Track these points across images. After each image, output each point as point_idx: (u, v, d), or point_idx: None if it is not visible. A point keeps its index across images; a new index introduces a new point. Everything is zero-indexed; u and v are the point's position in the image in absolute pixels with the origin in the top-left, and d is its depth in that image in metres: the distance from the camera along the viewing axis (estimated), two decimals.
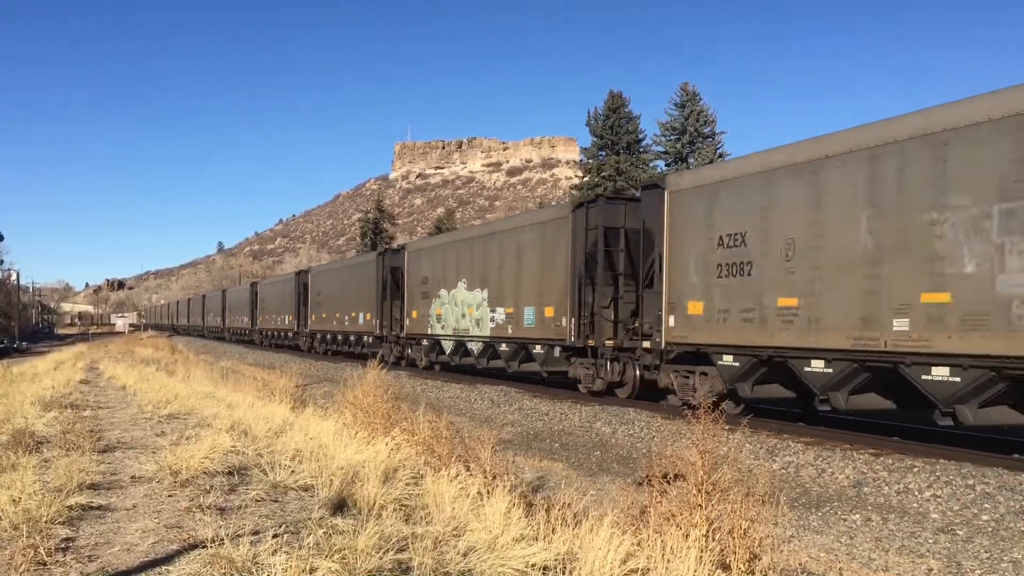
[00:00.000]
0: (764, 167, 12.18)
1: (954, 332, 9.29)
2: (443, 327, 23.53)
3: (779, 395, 12.72)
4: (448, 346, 23.49)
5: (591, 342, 16.14)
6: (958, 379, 9.37)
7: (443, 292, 23.64)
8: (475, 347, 21.78)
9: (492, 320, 20.48)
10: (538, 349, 18.50)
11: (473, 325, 21.57)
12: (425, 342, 25.30)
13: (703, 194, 13.33)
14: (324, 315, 36.01)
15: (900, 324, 9.95)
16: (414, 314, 25.86)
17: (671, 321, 13.80)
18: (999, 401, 9.61)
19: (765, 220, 12.00)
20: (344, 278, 33.97)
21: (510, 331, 19.57)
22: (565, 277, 17.06)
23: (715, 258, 12.83)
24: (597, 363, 16.39)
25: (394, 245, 44.81)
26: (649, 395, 15.48)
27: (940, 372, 9.59)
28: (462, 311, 22.27)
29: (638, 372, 15.47)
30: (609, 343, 15.71)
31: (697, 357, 13.51)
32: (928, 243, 9.62)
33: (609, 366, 16.07)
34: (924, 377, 9.72)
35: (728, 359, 12.65)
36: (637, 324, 15.24)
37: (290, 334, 41.94)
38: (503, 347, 20.19)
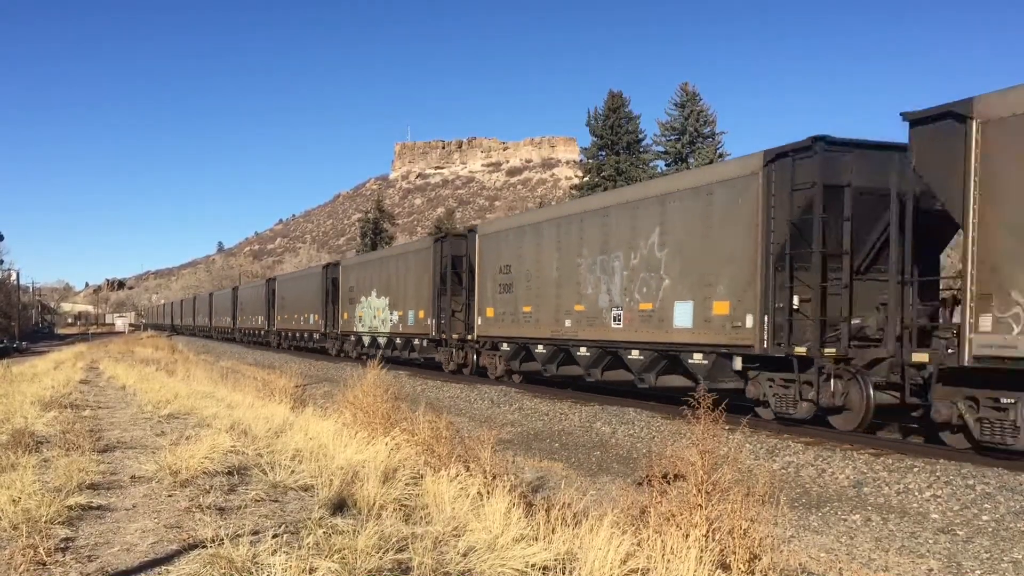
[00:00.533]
0: (518, 224, 20.58)
1: (586, 327, 16.70)
2: (363, 325, 31.25)
3: (531, 368, 19.78)
4: (366, 340, 31.21)
5: (444, 335, 23.54)
6: (589, 353, 16.84)
7: (362, 299, 31.25)
8: (382, 340, 29.27)
9: (391, 320, 28.22)
10: (416, 341, 26.22)
11: (380, 324, 29.23)
12: (352, 337, 32.99)
13: (493, 239, 21.14)
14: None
15: (568, 322, 17.31)
16: (344, 315, 33.84)
17: (479, 321, 21.29)
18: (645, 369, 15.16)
19: (519, 258, 19.60)
20: (302, 285, 41.22)
21: (400, 328, 27.29)
22: (430, 289, 24.56)
23: (499, 280, 20.13)
24: (452, 351, 23.67)
25: (338, 259, 48.56)
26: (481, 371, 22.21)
27: (583, 351, 16.99)
28: (374, 313, 29.89)
29: (473, 356, 22.42)
30: (456, 336, 23.06)
31: (495, 344, 20.98)
32: (576, 276, 17.04)
33: (455, 353, 23.40)
34: (579, 353, 17.12)
35: (505, 346, 20.43)
36: (467, 322, 22.03)
37: (316, 335, 37.78)
38: (398, 340, 27.84)
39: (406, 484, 6.68)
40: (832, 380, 11.61)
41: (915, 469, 9.31)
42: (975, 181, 9.41)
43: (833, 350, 11.57)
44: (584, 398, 16.66)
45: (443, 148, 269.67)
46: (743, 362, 12.92)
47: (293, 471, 7.33)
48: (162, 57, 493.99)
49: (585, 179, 54.33)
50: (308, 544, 4.88)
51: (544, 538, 5.14)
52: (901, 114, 10.33)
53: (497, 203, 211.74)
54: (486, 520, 5.47)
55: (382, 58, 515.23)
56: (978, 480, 8.68)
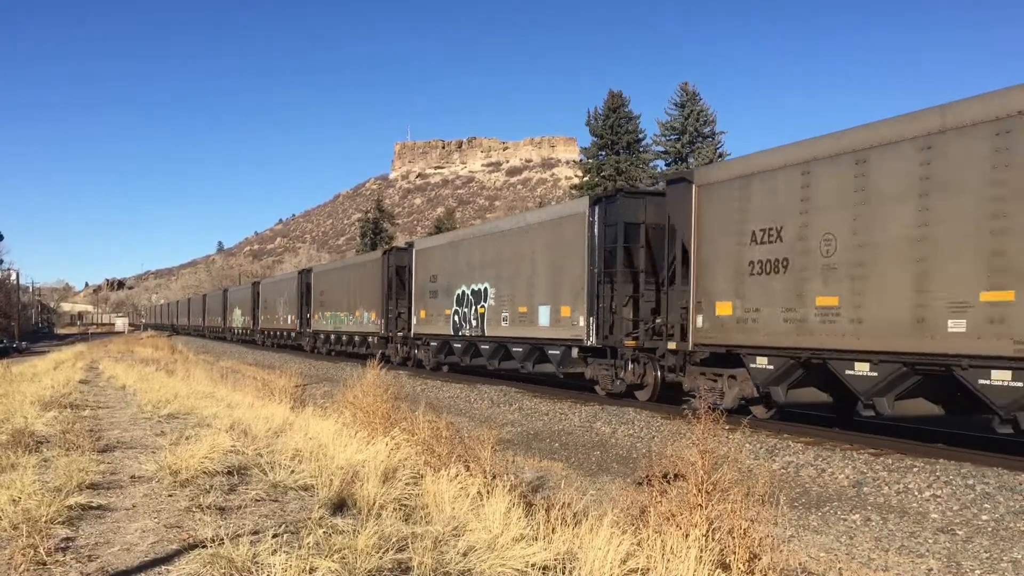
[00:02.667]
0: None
1: (487, 327, 20.60)
2: (329, 325, 35.32)
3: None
4: (332, 337, 35.16)
5: (391, 333, 24.49)
6: (489, 347, 20.76)
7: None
8: (344, 338, 33.17)
9: (351, 320, 31.78)
10: (370, 338, 29.45)
11: (342, 324, 33.17)
12: (322, 335, 36.99)
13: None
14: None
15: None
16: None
17: (415, 321, 21.30)
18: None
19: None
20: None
21: (358, 327, 30.88)
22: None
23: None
24: (397, 346, 25.64)
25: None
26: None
27: (485, 346, 20.74)
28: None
29: (413, 350, 23.28)
30: (400, 334, 23.23)
31: (426, 341, 21.97)
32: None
33: (400, 348, 23.81)
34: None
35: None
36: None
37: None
38: (356, 337, 31.69)
39: (406, 484, 6.69)
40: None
41: (915, 469, 9.32)
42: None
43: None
44: (584, 398, 16.65)
45: (443, 148, 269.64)
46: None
47: (293, 471, 7.33)
48: (162, 57, 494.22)
49: (585, 179, 54.32)
50: (308, 544, 4.89)
51: (544, 538, 5.14)
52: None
53: (497, 203, 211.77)
54: (486, 520, 5.47)
55: (382, 58, 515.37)
56: (978, 480, 8.68)
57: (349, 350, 32.71)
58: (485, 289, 21.13)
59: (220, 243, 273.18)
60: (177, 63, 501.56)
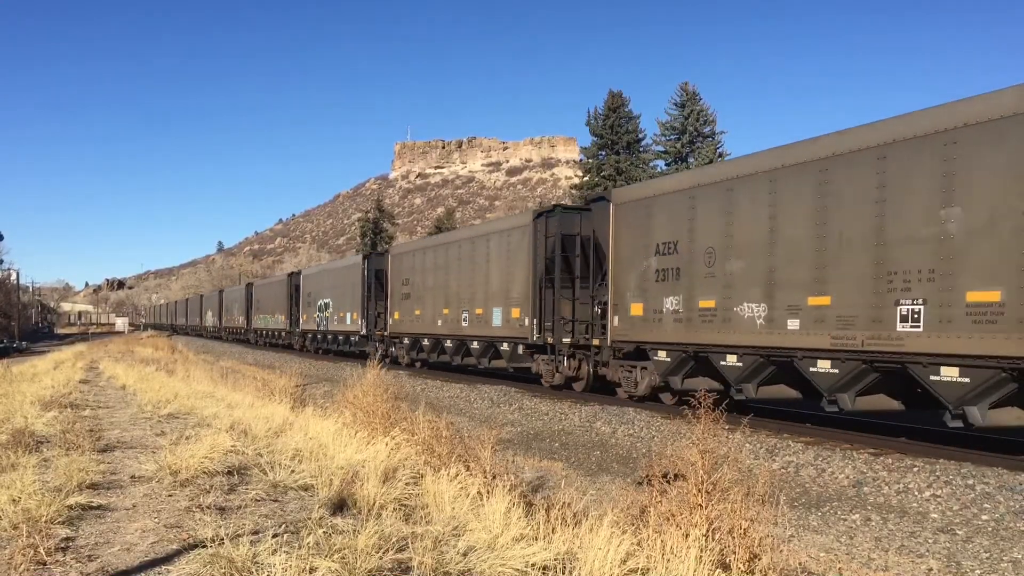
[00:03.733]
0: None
1: (451, 326, 22.91)
2: (317, 325, 37.04)
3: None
4: (319, 337, 37.14)
5: (371, 332, 25.53)
6: (452, 345, 23.20)
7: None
8: (331, 337, 35.19)
9: (335, 320, 34.02)
10: (353, 337, 31.84)
11: (328, 323, 35.14)
12: (310, 335, 38.85)
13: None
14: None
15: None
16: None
17: (390, 321, 22.55)
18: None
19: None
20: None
21: (342, 327, 33.07)
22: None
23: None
24: (376, 344, 26.15)
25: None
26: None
27: (449, 343, 23.20)
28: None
29: (390, 348, 24.70)
30: (378, 333, 24.37)
31: (400, 339, 23.05)
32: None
33: (378, 346, 25.05)
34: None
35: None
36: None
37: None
38: (340, 336, 33.80)
39: (406, 484, 6.68)
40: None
41: (915, 469, 9.32)
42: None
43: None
44: (584, 398, 16.65)
45: (443, 148, 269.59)
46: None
47: (293, 471, 7.33)
48: (162, 57, 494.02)
49: (585, 179, 54.30)
50: (308, 544, 4.88)
51: (544, 538, 5.14)
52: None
53: (497, 203, 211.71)
54: (486, 520, 5.47)
55: (382, 58, 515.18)
56: (978, 480, 8.68)
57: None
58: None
59: (220, 243, 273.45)
60: (177, 63, 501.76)
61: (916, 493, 8.67)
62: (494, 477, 6.79)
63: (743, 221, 12.45)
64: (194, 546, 5.10)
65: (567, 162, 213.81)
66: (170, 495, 6.73)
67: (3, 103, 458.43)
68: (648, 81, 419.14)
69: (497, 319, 20.31)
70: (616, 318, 15.60)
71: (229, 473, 7.51)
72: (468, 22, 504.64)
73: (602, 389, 17.16)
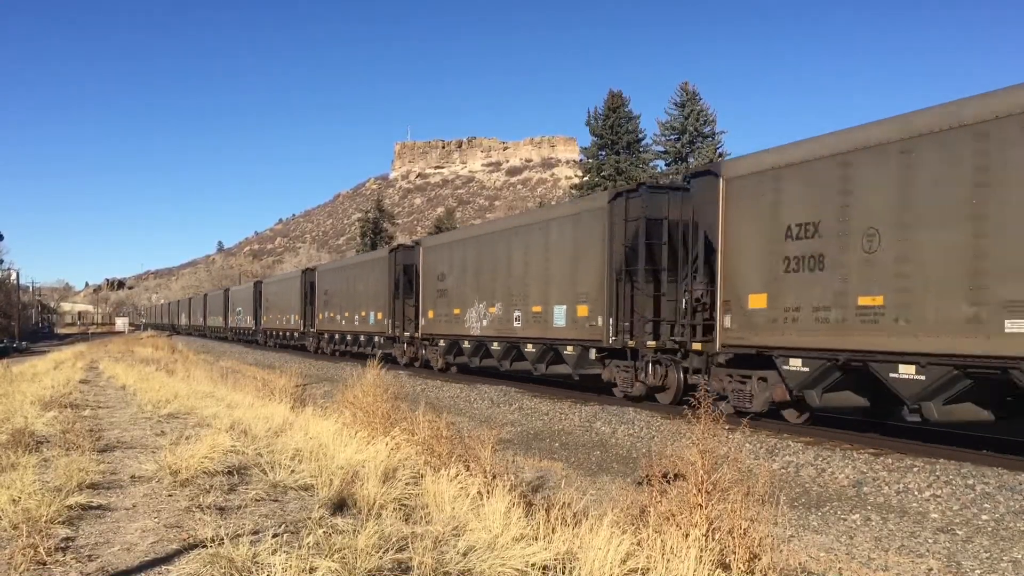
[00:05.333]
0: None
1: (498, 326, 20.35)
2: (335, 325, 34.84)
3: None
4: (338, 337, 34.70)
5: (398, 333, 23.64)
6: (500, 348, 20.16)
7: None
8: (350, 338, 32.93)
9: (356, 320, 32.10)
10: (376, 338, 29.79)
11: (349, 323, 32.61)
12: (326, 335, 36.12)
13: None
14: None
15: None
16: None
17: (423, 321, 20.54)
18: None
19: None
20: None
21: (364, 327, 30.66)
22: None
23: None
24: (404, 346, 23.88)
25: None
26: None
27: (496, 346, 20.22)
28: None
29: (421, 351, 22.74)
30: (407, 334, 22.31)
31: (434, 340, 20.54)
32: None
33: (407, 348, 22.78)
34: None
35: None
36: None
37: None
38: (362, 337, 31.31)
39: (406, 484, 6.69)
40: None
41: (915, 469, 9.31)
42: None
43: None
44: (584, 398, 16.65)
45: (443, 148, 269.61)
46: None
47: (293, 471, 7.33)
48: (162, 56, 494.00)
49: (585, 179, 54.29)
50: (308, 544, 4.89)
51: (544, 538, 5.14)
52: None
53: (497, 203, 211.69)
54: (486, 520, 5.47)
55: (382, 58, 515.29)
56: (978, 480, 8.68)
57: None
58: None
59: (220, 243, 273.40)
60: (177, 63, 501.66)
61: (916, 493, 8.67)
62: (494, 477, 6.79)
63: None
64: (194, 546, 5.10)
65: (567, 162, 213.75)
66: (170, 495, 6.73)
67: (3, 103, 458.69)
68: (648, 81, 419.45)
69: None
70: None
71: (229, 473, 7.51)
72: (468, 22, 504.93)
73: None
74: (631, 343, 15.13)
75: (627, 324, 15.17)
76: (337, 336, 34.34)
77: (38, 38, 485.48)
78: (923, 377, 9.66)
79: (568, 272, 17.13)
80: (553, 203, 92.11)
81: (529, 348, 18.91)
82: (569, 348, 17.21)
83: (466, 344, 22.03)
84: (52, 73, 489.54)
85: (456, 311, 22.42)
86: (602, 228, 15.78)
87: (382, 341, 28.48)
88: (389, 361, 25.30)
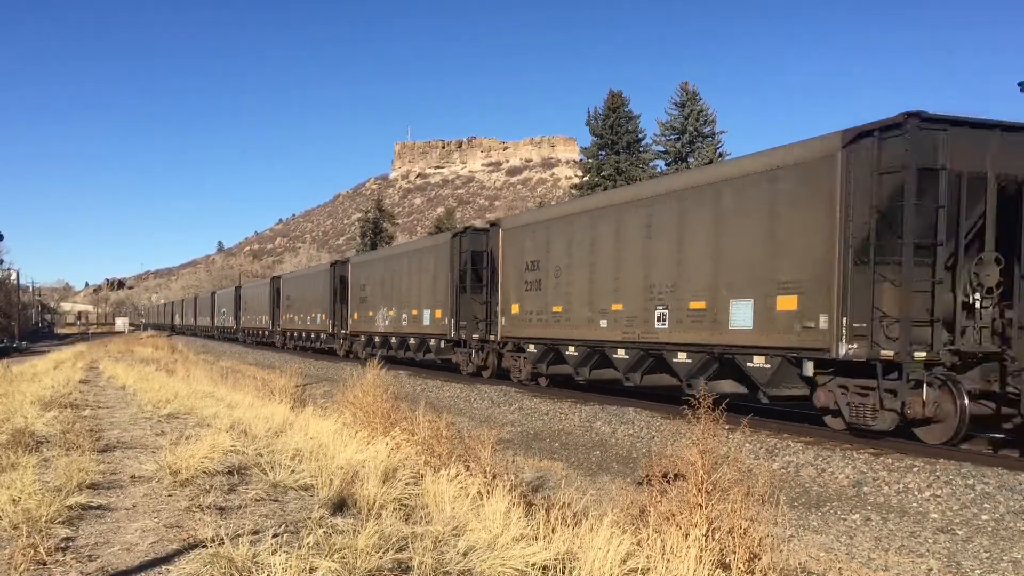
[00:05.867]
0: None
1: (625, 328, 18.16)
2: (375, 326, 35.85)
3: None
4: (378, 340, 35.51)
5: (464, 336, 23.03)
6: (629, 356, 17.68)
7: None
8: (395, 341, 33.56)
9: (404, 320, 31.83)
10: (432, 342, 28.14)
11: (393, 324, 34.15)
12: (363, 338, 35.10)
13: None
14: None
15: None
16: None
17: (502, 320, 20.38)
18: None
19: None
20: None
21: (414, 328, 30.39)
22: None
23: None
24: (472, 352, 23.23)
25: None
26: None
27: (621, 352, 17.49)
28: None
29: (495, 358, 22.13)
30: (475, 337, 22.26)
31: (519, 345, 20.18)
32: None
33: (475, 355, 22.80)
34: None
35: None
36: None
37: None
38: (412, 340, 29.25)
39: (406, 484, 6.69)
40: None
41: (915, 469, 9.32)
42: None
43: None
44: (583, 398, 16.65)
45: (443, 148, 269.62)
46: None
47: (293, 471, 7.33)
48: (162, 56, 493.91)
49: (585, 179, 54.27)
50: (308, 544, 4.89)
51: (544, 538, 5.14)
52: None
53: (497, 203, 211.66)
54: (486, 520, 5.47)
55: (382, 58, 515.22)
56: (978, 480, 8.68)
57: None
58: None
59: (220, 243, 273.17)
60: (177, 62, 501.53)
61: (916, 493, 8.67)
62: (494, 477, 6.79)
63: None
64: (194, 546, 5.10)
65: (567, 162, 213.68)
66: (170, 495, 6.73)
67: (3, 103, 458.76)
68: (648, 81, 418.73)
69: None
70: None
71: (229, 473, 7.52)
72: (468, 22, 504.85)
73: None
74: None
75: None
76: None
77: (38, 38, 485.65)
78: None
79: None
80: (535, 206, 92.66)
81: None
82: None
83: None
84: (52, 73, 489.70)
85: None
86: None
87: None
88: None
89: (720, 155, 48.04)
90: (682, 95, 50.38)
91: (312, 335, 38.60)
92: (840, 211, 10.78)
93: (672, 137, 50.53)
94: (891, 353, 10.22)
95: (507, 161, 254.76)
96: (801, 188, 11.52)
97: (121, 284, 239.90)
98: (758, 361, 12.25)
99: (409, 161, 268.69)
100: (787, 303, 11.72)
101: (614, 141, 52.33)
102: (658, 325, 14.39)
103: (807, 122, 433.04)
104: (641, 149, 52.95)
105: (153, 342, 47.71)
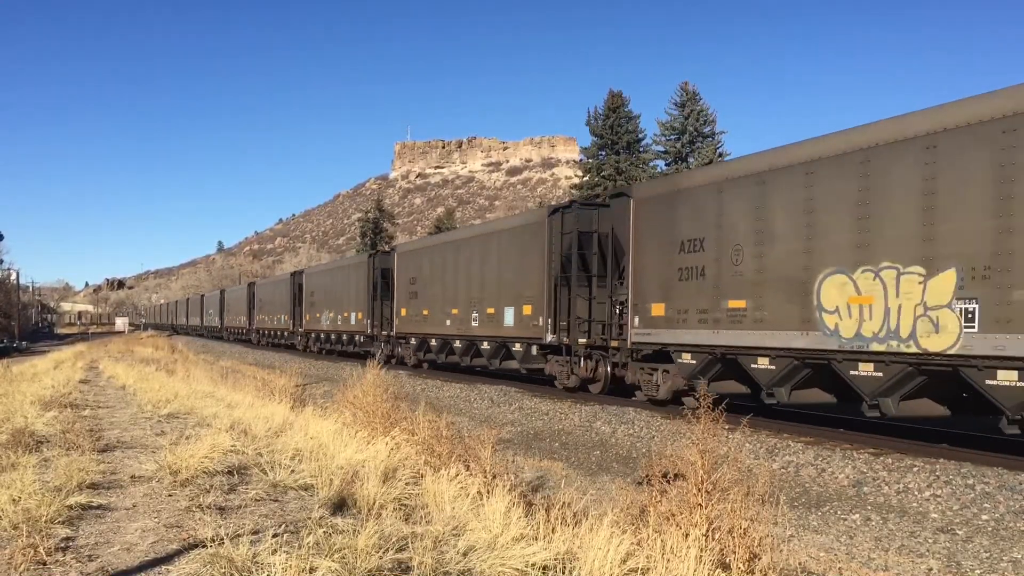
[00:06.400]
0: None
1: (458, 326, 22.52)
2: (320, 325, 37.51)
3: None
4: (323, 336, 37.13)
5: (376, 332, 26.49)
6: (461, 345, 22.66)
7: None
8: (334, 337, 35.33)
9: (339, 320, 34.78)
10: (357, 337, 31.97)
11: (331, 323, 36.56)
12: (313, 335, 38.64)
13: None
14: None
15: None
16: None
17: (396, 320, 23.32)
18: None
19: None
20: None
21: (345, 326, 34.18)
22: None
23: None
24: (382, 344, 25.84)
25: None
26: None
27: (457, 343, 22.73)
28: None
29: (396, 348, 24.72)
30: (384, 333, 24.88)
31: (406, 339, 23.26)
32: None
33: (384, 347, 24.69)
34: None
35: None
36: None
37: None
38: (344, 336, 35.11)
39: (406, 484, 6.69)
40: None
41: (915, 469, 9.32)
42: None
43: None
44: (584, 398, 16.65)
45: (443, 148, 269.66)
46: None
47: (293, 471, 7.33)
48: (162, 56, 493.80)
49: (585, 179, 54.27)
50: (308, 543, 4.88)
51: (544, 537, 5.14)
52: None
53: (497, 203, 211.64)
54: (486, 519, 5.47)
55: (382, 58, 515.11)
56: (978, 480, 8.68)
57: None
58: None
59: (220, 243, 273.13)
60: (177, 63, 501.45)
61: (916, 493, 8.67)
62: (494, 477, 6.79)
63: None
64: (194, 546, 5.10)
65: (567, 162, 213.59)
66: (170, 495, 6.73)
67: (3, 103, 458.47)
68: (648, 81, 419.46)
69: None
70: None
71: (229, 473, 7.51)
72: (468, 22, 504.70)
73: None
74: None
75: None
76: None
77: (38, 38, 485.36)
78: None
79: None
80: (535, 206, 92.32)
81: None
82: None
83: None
84: (52, 73, 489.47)
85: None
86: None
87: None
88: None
89: (720, 155, 48.03)
90: (682, 95, 50.37)
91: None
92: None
93: (672, 137, 50.51)
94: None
95: (507, 161, 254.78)
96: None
97: (121, 284, 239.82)
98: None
99: (409, 161, 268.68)
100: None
101: (614, 141, 52.32)
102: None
103: (807, 122, 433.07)
104: (641, 149, 52.94)
105: (153, 342, 47.70)
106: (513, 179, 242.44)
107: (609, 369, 16.37)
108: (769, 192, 12.07)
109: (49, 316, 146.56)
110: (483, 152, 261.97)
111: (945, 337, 9.45)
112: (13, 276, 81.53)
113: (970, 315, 9.27)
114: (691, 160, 48.26)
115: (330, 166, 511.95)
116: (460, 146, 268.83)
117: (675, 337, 13.80)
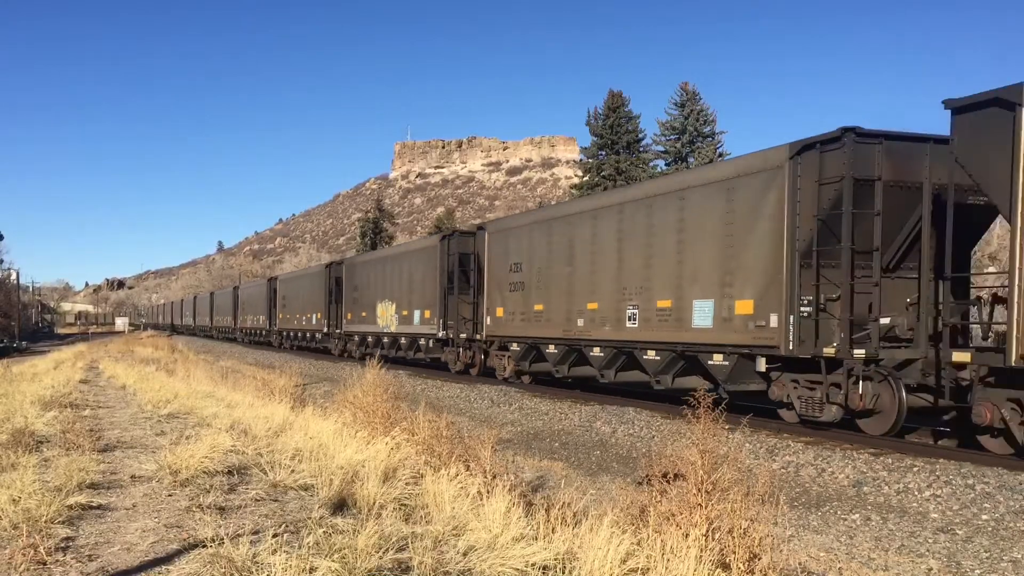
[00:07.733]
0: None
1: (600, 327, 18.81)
2: (367, 325, 35.47)
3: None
4: (371, 340, 36.30)
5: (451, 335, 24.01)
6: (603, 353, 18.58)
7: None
8: (387, 340, 33.64)
9: (396, 319, 32.88)
10: (422, 341, 28.06)
11: (385, 323, 33.76)
12: (356, 337, 34.98)
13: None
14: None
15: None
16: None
17: (487, 320, 21.21)
18: None
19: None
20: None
21: (405, 327, 31.63)
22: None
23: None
24: (459, 351, 24.11)
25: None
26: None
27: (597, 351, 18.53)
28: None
29: (481, 356, 22.79)
30: (463, 336, 23.00)
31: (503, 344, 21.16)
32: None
33: (462, 353, 23.56)
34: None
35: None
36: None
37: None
38: (403, 340, 30.18)
39: (406, 484, 6.69)
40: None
41: (915, 469, 9.32)
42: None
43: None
44: (584, 397, 16.65)
45: (443, 148, 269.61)
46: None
47: (293, 471, 7.33)
48: (162, 57, 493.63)
49: (585, 179, 54.26)
50: (308, 543, 4.89)
51: (544, 537, 5.14)
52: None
53: (497, 203, 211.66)
54: (486, 519, 5.47)
55: (382, 58, 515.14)
56: (978, 480, 8.68)
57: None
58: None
59: (220, 243, 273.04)
60: (177, 63, 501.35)
61: (916, 493, 8.67)
62: (494, 477, 6.79)
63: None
64: (194, 546, 5.10)
65: (567, 162, 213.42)
66: (170, 495, 6.73)
67: (3, 103, 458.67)
68: (648, 81, 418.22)
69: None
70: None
71: (229, 473, 7.52)
72: (468, 22, 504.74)
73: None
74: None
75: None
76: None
77: (38, 38, 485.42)
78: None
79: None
80: (535, 206, 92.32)
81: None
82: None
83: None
84: (52, 73, 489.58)
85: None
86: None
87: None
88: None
89: (720, 155, 48.04)
90: (682, 95, 50.37)
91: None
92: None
93: (672, 137, 50.50)
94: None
95: (507, 161, 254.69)
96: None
97: (121, 284, 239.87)
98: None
99: (409, 161, 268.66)
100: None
101: (614, 141, 52.31)
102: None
103: (807, 122, 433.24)
104: (641, 149, 52.93)
105: (153, 342, 47.68)
106: (513, 179, 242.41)
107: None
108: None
109: (49, 316, 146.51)
110: (483, 152, 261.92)
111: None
112: (13, 276, 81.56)
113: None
114: (691, 160, 48.27)
115: (330, 166, 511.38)
116: (460, 146, 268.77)
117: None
